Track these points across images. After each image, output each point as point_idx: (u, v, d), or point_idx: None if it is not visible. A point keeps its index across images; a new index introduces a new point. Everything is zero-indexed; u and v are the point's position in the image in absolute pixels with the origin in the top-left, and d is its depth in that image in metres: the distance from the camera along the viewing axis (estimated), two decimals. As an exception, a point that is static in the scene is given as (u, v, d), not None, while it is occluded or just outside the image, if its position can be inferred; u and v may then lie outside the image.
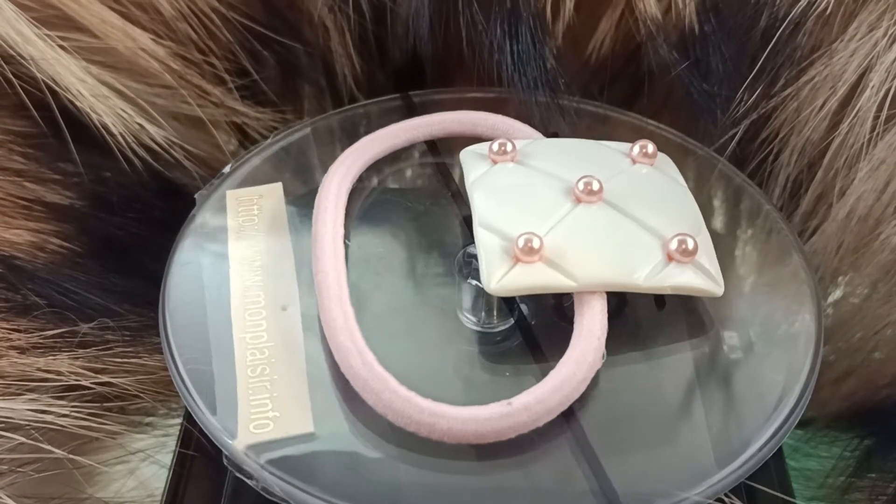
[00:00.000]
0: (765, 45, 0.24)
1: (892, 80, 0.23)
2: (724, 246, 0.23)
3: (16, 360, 0.22)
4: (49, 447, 0.22)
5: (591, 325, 0.20)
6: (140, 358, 0.24)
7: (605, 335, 0.20)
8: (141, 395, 0.24)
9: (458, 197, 0.25)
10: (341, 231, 0.23)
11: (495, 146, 0.23)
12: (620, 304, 0.22)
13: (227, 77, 0.28)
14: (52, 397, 0.22)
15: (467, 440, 0.19)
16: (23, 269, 0.24)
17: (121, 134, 0.25)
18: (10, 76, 0.24)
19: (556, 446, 0.19)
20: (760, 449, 0.19)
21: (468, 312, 0.22)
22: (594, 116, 0.27)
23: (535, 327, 0.22)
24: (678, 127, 0.26)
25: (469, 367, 0.21)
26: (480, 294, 0.21)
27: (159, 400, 0.25)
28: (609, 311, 0.20)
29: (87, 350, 0.24)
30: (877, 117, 0.23)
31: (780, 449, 0.20)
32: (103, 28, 0.26)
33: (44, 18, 0.24)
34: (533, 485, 0.19)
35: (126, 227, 0.26)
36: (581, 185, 0.22)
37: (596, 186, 0.22)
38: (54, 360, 0.23)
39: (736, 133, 0.26)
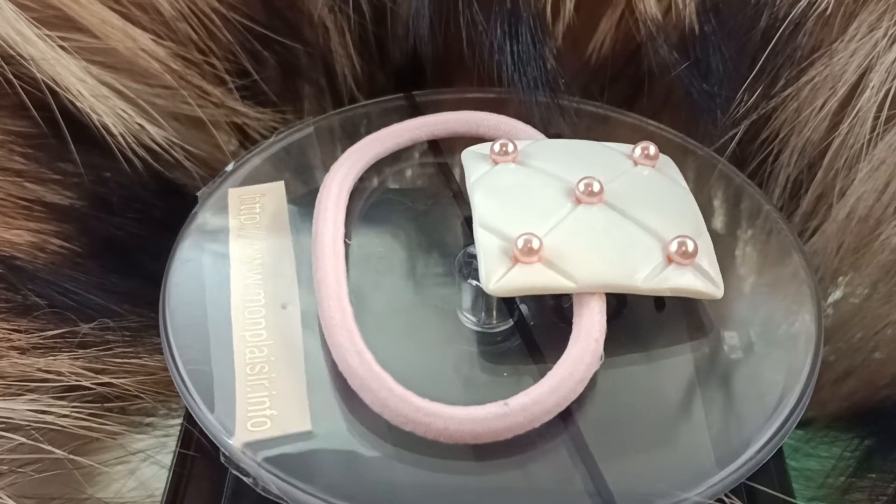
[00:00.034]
0: (765, 45, 0.24)
1: (893, 80, 0.23)
2: (724, 246, 0.23)
3: (16, 360, 0.22)
4: (49, 447, 0.22)
5: (589, 327, 0.20)
6: (140, 358, 0.24)
7: (603, 336, 0.20)
8: (141, 395, 0.24)
9: (460, 197, 0.25)
10: (342, 230, 0.23)
11: (496, 146, 0.23)
12: (620, 306, 0.22)
13: (227, 77, 0.28)
14: (52, 398, 0.22)
15: (464, 440, 0.19)
16: (23, 270, 0.24)
17: (121, 134, 0.25)
18: (11, 76, 0.24)
19: (555, 447, 0.19)
20: (761, 449, 0.19)
21: (468, 312, 0.22)
22: (594, 117, 0.27)
23: (535, 328, 0.22)
24: (678, 127, 0.26)
25: (468, 367, 0.21)
26: (480, 294, 0.21)
27: (160, 400, 0.25)
28: (608, 313, 0.20)
29: (88, 350, 0.24)
30: (877, 118, 0.23)
31: (780, 449, 0.20)
32: (103, 28, 0.26)
33: (44, 19, 0.24)
34: (530, 485, 0.19)
35: (126, 228, 0.26)
36: (581, 187, 0.22)
37: (596, 188, 0.22)
38: (54, 360, 0.23)
39: (736, 133, 0.26)
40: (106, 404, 0.23)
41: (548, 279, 0.20)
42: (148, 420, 0.25)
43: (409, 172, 0.26)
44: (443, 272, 0.23)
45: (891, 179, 0.24)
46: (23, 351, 0.23)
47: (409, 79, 0.29)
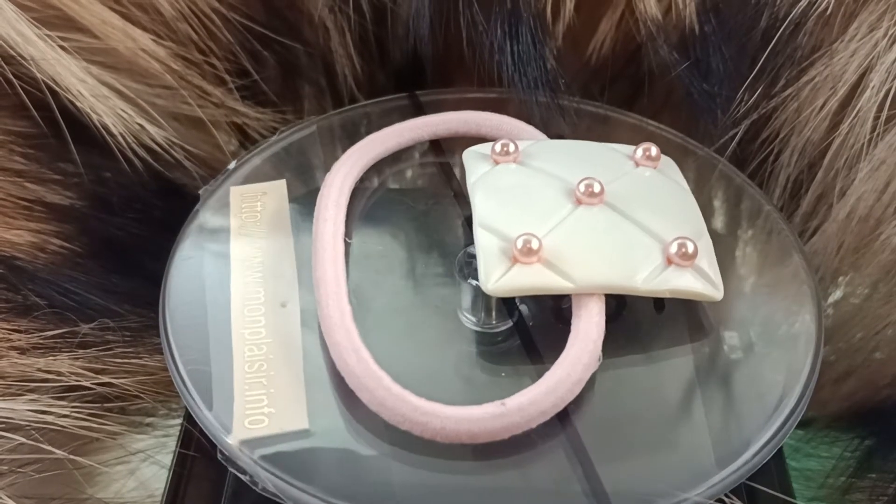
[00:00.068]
0: (765, 45, 0.24)
1: (893, 80, 0.23)
2: (724, 246, 0.23)
3: (16, 360, 0.22)
4: (49, 447, 0.22)
5: (587, 328, 0.20)
6: (140, 358, 0.24)
7: (601, 337, 0.20)
8: (141, 395, 0.24)
9: (461, 197, 0.25)
10: (342, 228, 0.23)
11: (498, 147, 0.23)
12: (619, 307, 0.22)
13: (227, 77, 0.28)
14: (52, 398, 0.22)
15: (460, 440, 0.19)
16: (23, 270, 0.24)
17: (121, 134, 0.25)
18: (11, 76, 0.24)
19: (552, 448, 0.19)
20: (761, 449, 0.19)
21: (468, 312, 0.22)
22: (594, 117, 0.27)
23: (535, 328, 0.22)
24: (678, 127, 0.26)
25: (468, 367, 0.21)
26: (480, 294, 0.21)
27: (159, 400, 0.25)
28: (608, 314, 0.20)
29: (88, 350, 0.24)
30: (877, 118, 0.23)
31: (780, 449, 0.20)
32: (104, 28, 0.26)
33: (44, 19, 0.24)
34: (527, 485, 0.19)
35: (126, 228, 0.26)
36: (582, 187, 0.22)
37: (597, 188, 0.22)
38: (55, 360, 0.23)
39: (736, 133, 0.26)
40: (106, 404, 0.23)
41: (546, 280, 0.20)
42: (148, 420, 0.25)
43: (410, 172, 0.26)
44: (443, 272, 0.23)
45: (891, 179, 0.24)
46: (23, 351, 0.23)
47: (409, 79, 0.29)
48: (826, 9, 0.23)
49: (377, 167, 0.25)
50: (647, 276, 0.21)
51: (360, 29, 0.29)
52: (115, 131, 0.25)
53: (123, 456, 0.24)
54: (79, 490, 0.23)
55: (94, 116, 0.25)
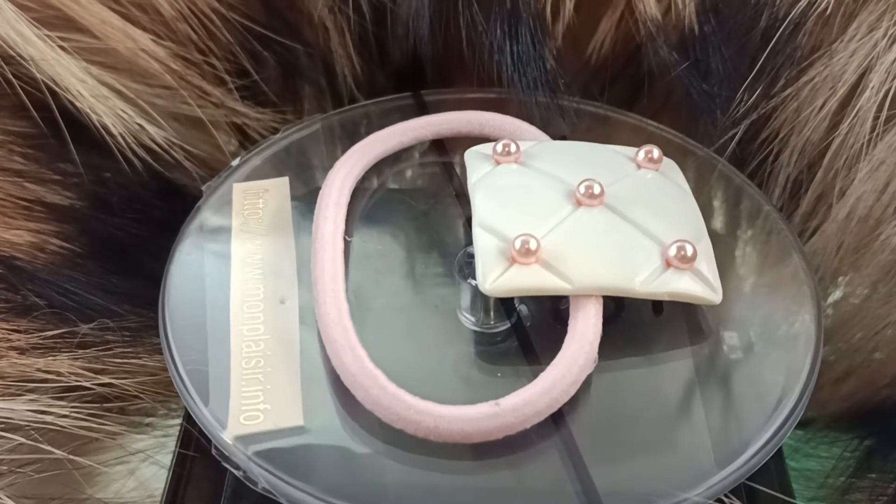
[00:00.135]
0: (765, 45, 0.24)
1: (892, 80, 0.23)
2: (723, 246, 0.23)
3: (16, 360, 0.22)
4: (49, 448, 0.22)
5: (584, 329, 0.20)
6: (140, 358, 0.24)
7: (598, 339, 0.20)
8: (141, 395, 0.24)
9: (462, 197, 0.25)
10: (342, 227, 0.23)
11: (499, 147, 0.23)
12: (618, 308, 0.22)
13: (227, 77, 0.28)
14: (51, 398, 0.22)
15: (454, 439, 0.19)
16: (23, 270, 0.24)
17: (121, 134, 0.25)
18: (11, 77, 0.24)
19: (547, 448, 0.19)
20: (760, 449, 0.19)
21: (467, 312, 0.22)
22: (594, 117, 0.27)
23: (533, 329, 0.22)
24: (678, 127, 0.26)
25: (466, 366, 0.21)
26: (479, 294, 0.21)
27: (159, 401, 0.25)
28: (606, 315, 0.20)
29: (87, 351, 0.24)
30: (877, 118, 0.23)
31: (780, 449, 0.20)
32: (103, 29, 0.26)
33: (44, 19, 0.24)
34: (521, 486, 0.19)
35: (126, 228, 0.26)
36: (582, 189, 0.22)
37: (597, 190, 0.22)
38: (54, 360, 0.23)
39: (736, 133, 0.26)
40: (105, 404, 0.23)
41: (544, 280, 0.20)
42: (147, 420, 0.25)
43: (412, 171, 0.26)
44: (443, 272, 0.23)
45: (890, 179, 0.24)
46: (22, 351, 0.23)
47: (409, 79, 0.29)
48: (826, 9, 0.23)
49: (379, 166, 0.25)
50: (645, 278, 0.21)
51: (360, 29, 0.29)
52: (114, 131, 0.25)
53: (123, 456, 0.24)
54: (78, 490, 0.23)
55: (94, 117, 0.25)
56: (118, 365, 0.24)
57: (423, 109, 0.27)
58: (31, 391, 0.22)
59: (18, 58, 0.24)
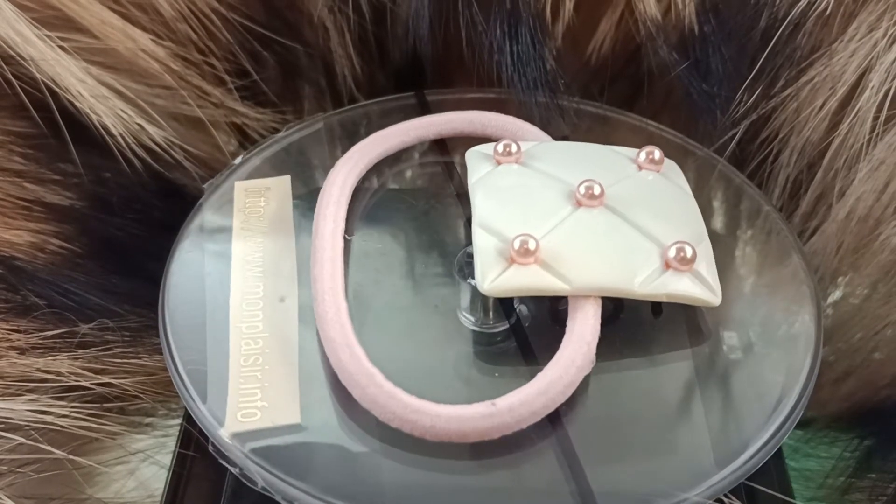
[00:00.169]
0: (764, 45, 0.24)
1: (892, 80, 0.23)
2: (723, 247, 0.23)
3: (15, 360, 0.22)
4: (49, 448, 0.22)
5: (582, 330, 0.20)
6: (140, 359, 0.24)
7: (596, 340, 0.20)
8: (140, 395, 0.24)
9: (463, 197, 0.25)
10: (342, 226, 0.23)
11: (500, 147, 0.23)
12: (617, 309, 0.22)
13: (227, 78, 0.28)
14: (51, 398, 0.22)
15: (450, 438, 0.19)
16: (23, 270, 0.24)
17: (121, 135, 0.25)
18: (10, 77, 0.24)
19: (544, 448, 0.19)
20: (760, 449, 0.19)
21: (466, 312, 0.22)
22: (594, 117, 0.27)
23: (533, 329, 0.22)
24: (678, 127, 0.26)
25: (466, 366, 0.21)
26: (478, 294, 0.21)
27: (159, 401, 0.25)
28: (605, 316, 0.20)
29: (87, 351, 0.24)
30: (876, 118, 0.23)
31: (779, 449, 0.20)
32: (103, 29, 0.26)
33: (44, 19, 0.24)
34: (518, 486, 0.19)
35: (126, 228, 0.26)
36: (582, 189, 0.22)
37: (597, 191, 0.22)
38: (54, 360, 0.23)
39: (735, 133, 0.26)
40: (105, 404, 0.23)
41: (543, 281, 0.20)
42: (147, 420, 0.25)
43: (413, 171, 0.26)
44: (443, 271, 0.23)
45: (890, 179, 0.24)
46: (22, 351, 0.23)
47: (408, 79, 0.29)
48: (825, 9, 0.23)
49: (381, 165, 0.25)
50: (644, 279, 0.21)
51: (360, 29, 0.29)
52: (114, 132, 0.25)
53: (123, 456, 0.24)
54: (78, 490, 0.23)
55: (94, 117, 0.25)
56: (118, 365, 0.24)
57: (425, 109, 0.27)
58: (30, 391, 0.22)
59: (18, 58, 0.24)
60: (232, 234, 0.24)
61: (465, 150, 0.24)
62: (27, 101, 0.24)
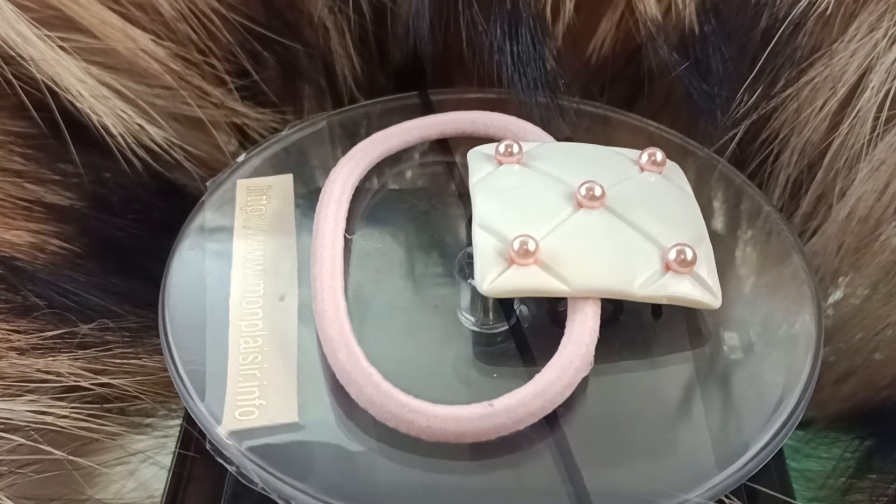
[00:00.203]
0: (765, 45, 0.24)
1: (893, 80, 0.23)
2: (724, 247, 0.23)
3: (15, 361, 0.22)
4: (49, 448, 0.22)
5: (581, 332, 0.20)
6: (140, 359, 0.24)
7: (594, 342, 0.20)
8: (141, 396, 0.24)
9: (465, 197, 0.25)
10: (342, 224, 0.23)
11: (501, 147, 0.23)
12: (617, 311, 0.22)
13: (227, 78, 0.28)
14: (51, 398, 0.22)
15: (446, 439, 0.19)
16: (23, 270, 0.24)
17: (121, 135, 0.25)
18: (10, 77, 0.24)
19: (542, 449, 0.19)
20: (761, 450, 0.19)
21: (466, 313, 0.22)
22: (594, 117, 0.27)
23: (532, 330, 0.22)
24: (678, 128, 0.26)
25: (465, 366, 0.21)
26: (478, 295, 0.21)
27: (159, 401, 0.25)
28: (605, 317, 0.20)
29: (87, 351, 0.24)
30: (877, 118, 0.23)
31: (780, 450, 0.20)
32: (103, 29, 0.26)
33: (44, 19, 0.24)
34: (516, 486, 0.19)
35: (126, 228, 0.26)
36: (583, 191, 0.22)
37: (598, 192, 0.21)
38: (54, 361, 0.23)
39: (736, 134, 0.26)
40: (105, 405, 0.23)
41: (542, 282, 0.20)
42: (147, 421, 0.25)
43: (416, 171, 0.26)
44: (443, 272, 0.23)
45: (891, 180, 0.24)
46: (22, 352, 0.23)
47: (409, 79, 0.29)
48: (826, 9, 0.23)
49: (383, 165, 0.25)
50: (644, 281, 0.20)
51: (360, 29, 0.29)
52: (114, 132, 0.25)
53: (123, 457, 0.24)
54: (78, 491, 0.23)
55: (94, 117, 0.25)
56: (118, 365, 0.24)
57: (428, 109, 0.27)
58: (30, 392, 0.22)
59: (18, 58, 0.24)
60: (233, 233, 0.24)
61: (468, 151, 0.24)
62: (27, 101, 0.24)
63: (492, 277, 0.20)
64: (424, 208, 0.25)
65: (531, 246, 0.20)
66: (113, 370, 0.24)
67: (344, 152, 0.25)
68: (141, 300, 0.25)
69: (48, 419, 0.22)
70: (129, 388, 0.24)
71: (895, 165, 0.24)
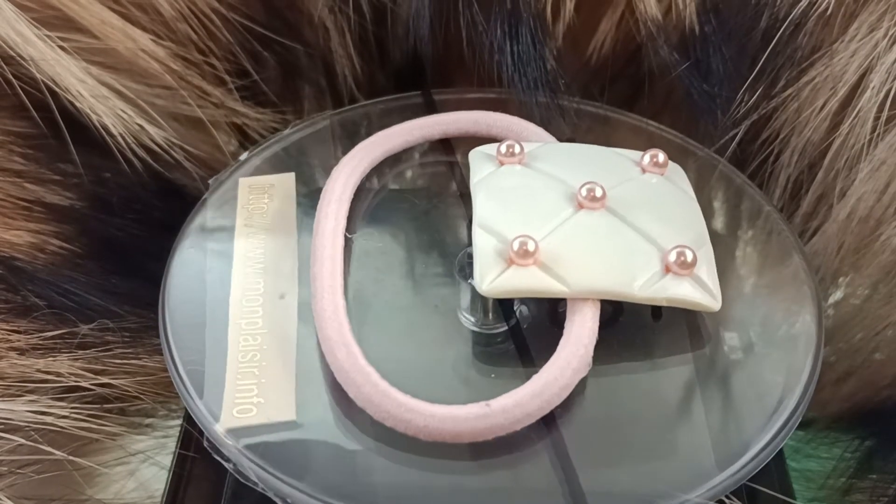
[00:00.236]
0: (765, 45, 0.24)
1: (893, 80, 0.23)
2: (724, 247, 0.23)
3: (16, 361, 0.22)
4: (49, 448, 0.22)
5: (579, 333, 0.20)
6: (140, 359, 0.24)
7: (593, 343, 0.20)
8: (141, 396, 0.24)
9: (467, 197, 0.25)
10: (343, 223, 0.23)
11: (503, 148, 0.23)
12: (617, 312, 0.21)
13: (227, 78, 0.28)
14: (51, 398, 0.22)
15: (443, 438, 0.19)
16: (23, 271, 0.24)
17: (121, 135, 0.25)
18: (11, 77, 0.24)
19: (539, 450, 0.19)
20: (761, 450, 0.19)
21: (467, 313, 0.22)
22: (594, 117, 0.27)
23: (532, 331, 0.22)
24: (679, 128, 0.26)
25: (465, 367, 0.21)
26: (478, 295, 0.21)
27: (159, 401, 0.25)
28: (605, 319, 0.20)
29: (87, 351, 0.24)
30: (877, 118, 0.23)
31: (780, 450, 0.20)
32: (103, 29, 0.25)
33: (44, 19, 0.24)
34: (513, 486, 0.19)
35: (126, 228, 0.26)
36: (584, 192, 0.22)
37: (599, 193, 0.21)
38: (54, 361, 0.23)
39: (736, 134, 0.26)
40: (105, 405, 0.23)
41: (541, 283, 0.20)
42: (147, 421, 0.25)
43: (418, 171, 0.26)
44: (444, 271, 0.23)
45: (891, 180, 0.24)
46: (22, 352, 0.23)
47: (409, 79, 0.29)
48: (826, 9, 0.23)
49: (385, 164, 0.25)
50: (643, 283, 0.20)
51: (360, 29, 0.29)
52: (114, 132, 0.25)
53: (123, 457, 0.24)
54: (78, 491, 0.23)
55: (94, 117, 0.25)
56: (118, 366, 0.24)
57: (431, 108, 0.27)
58: (31, 392, 0.22)
59: (18, 58, 0.24)
60: (234, 231, 0.24)
61: (470, 150, 0.24)
62: (27, 102, 0.24)
63: (491, 278, 0.20)
64: (425, 208, 0.25)
65: (531, 246, 0.20)
66: (113, 370, 0.24)
67: (346, 152, 0.25)
68: (141, 300, 0.25)
69: (48, 419, 0.22)
70: (130, 389, 0.24)
71: (895, 165, 0.23)
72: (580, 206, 0.22)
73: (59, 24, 0.25)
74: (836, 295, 0.26)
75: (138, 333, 0.25)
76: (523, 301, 0.22)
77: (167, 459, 0.23)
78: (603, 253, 0.21)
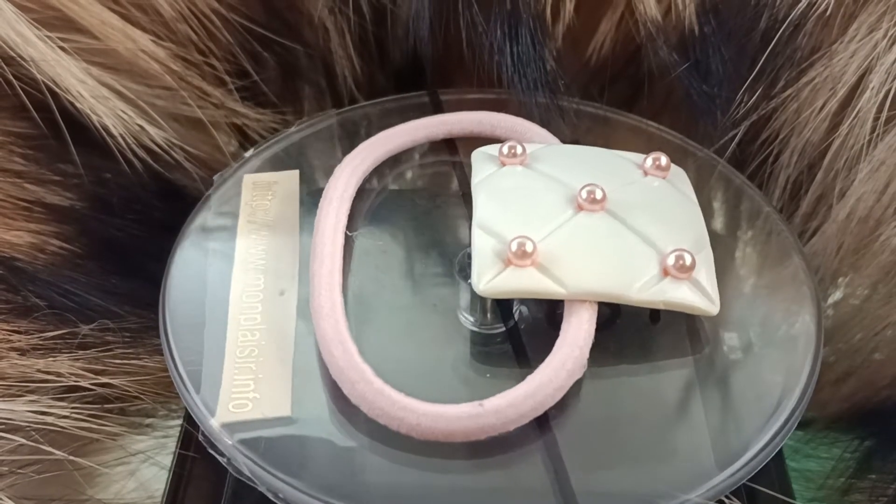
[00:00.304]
0: (765, 46, 0.24)
1: (892, 81, 0.23)
2: (723, 248, 0.23)
3: (16, 361, 0.22)
4: (49, 448, 0.22)
5: (575, 334, 0.20)
6: (140, 359, 0.24)
7: (589, 345, 0.20)
8: (141, 396, 0.24)
9: (469, 197, 0.25)
10: (344, 221, 0.23)
11: (505, 148, 0.23)
12: (614, 315, 0.21)
13: (227, 78, 0.28)
14: (52, 399, 0.22)
15: (436, 437, 0.19)
16: (23, 271, 0.24)
17: (121, 135, 0.25)
18: (11, 77, 0.24)
19: (534, 451, 0.19)
20: (761, 450, 0.19)
21: (466, 313, 0.22)
22: (594, 118, 0.27)
23: (529, 332, 0.22)
24: (678, 128, 0.26)
25: (464, 366, 0.21)
26: (477, 295, 0.21)
27: (159, 401, 0.25)
28: (602, 321, 0.20)
29: (88, 351, 0.24)
30: (877, 118, 0.23)
31: (780, 450, 0.20)
32: (103, 29, 0.26)
33: (44, 20, 0.24)
34: (506, 486, 0.19)
35: (126, 229, 0.26)
36: (584, 194, 0.22)
37: (599, 195, 0.21)
38: (54, 361, 0.23)
39: (736, 134, 0.26)
40: (106, 405, 0.23)
41: (538, 284, 0.20)
42: (148, 421, 0.25)
43: (420, 171, 0.26)
44: (444, 271, 0.23)
45: (891, 180, 0.24)
46: (23, 352, 0.23)
47: (409, 79, 0.29)
48: (825, 10, 0.23)
49: (388, 164, 0.25)
50: (641, 285, 0.20)
51: (360, 30, 0.29)
52: (115, 132, 0.25)
53: (123, 457, 0.24)
54: (79, 491, 0.23)
55: (94, 117, 0.25)
56: (118, 366, 0.24)
57: (438, 108, 0.27)
58: (31, 392, 0.22)
59: (19, 59, 0.24)
60: (236, 229, 0.24)
61: (473, 151, 0.24)
62: (28, 102, 0.24)
63: (488, 278, 0.20)
64: (427, 208, 0.25)
65: (529, 247, 0.20)
66: (113, 370, 0.24)
67: (349, 151, 0.25)
68: (141, 300, 0.25)
69: (49, 419, 0.22)
70: (130, 389, 0.24)
71: (895, 166, 0.24)
72: (580, 208, 0.22)
73: (59, 24, 0.25)
74: (836, 295, 0.26)
75: (138, 333, 0.25)
76: (523, 302, 0.22)
77: (167, 459, 0.23)
78: (601, 255, 0.21)
